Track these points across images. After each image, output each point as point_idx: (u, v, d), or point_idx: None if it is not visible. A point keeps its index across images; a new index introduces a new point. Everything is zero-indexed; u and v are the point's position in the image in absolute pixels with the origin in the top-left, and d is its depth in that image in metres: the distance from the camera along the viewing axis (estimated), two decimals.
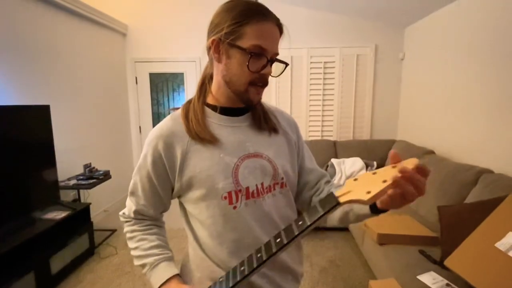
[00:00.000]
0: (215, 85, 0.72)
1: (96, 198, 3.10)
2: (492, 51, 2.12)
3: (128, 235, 0.78)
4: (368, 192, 0.48)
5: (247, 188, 0.69)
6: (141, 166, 0.74)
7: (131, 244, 0.77)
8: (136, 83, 3.95)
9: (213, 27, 0.67)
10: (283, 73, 0.73)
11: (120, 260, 2.47)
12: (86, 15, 3.06)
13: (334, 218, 0.73)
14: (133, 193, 0.78)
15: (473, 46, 2.33)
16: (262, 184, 0.70)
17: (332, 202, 0.51)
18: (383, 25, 3.55)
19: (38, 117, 2.20)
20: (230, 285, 0.56)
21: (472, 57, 2.34)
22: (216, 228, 0.68)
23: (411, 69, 3.43)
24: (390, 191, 0.49)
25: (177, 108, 0.76)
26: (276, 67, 0.70)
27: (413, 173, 0.47)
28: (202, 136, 0.68)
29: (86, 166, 2.88)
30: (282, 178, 0.74)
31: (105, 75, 3.50)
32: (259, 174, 0.71)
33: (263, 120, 0.76)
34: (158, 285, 0.68)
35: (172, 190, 0.74)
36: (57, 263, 2.12)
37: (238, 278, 0.55)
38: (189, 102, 0.75)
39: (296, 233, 0.52)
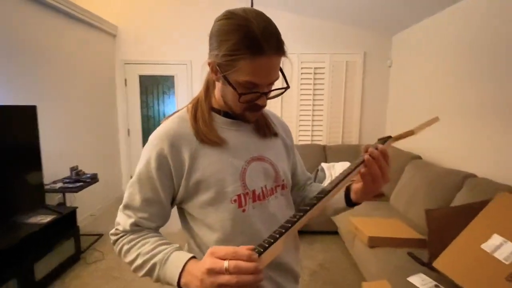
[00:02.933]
0: (218, 94, 0.71)
1: (83, 202, 3.03)
2: (475, 60, 2.22)
3: (124, 247, 0.66)
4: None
5: (254, 191, 0.69)
6: (142, 173, 0.67)
7: (130, 256, 0.65)
8: (126, 85, 3.90)
9: (211, 47, 0.63)
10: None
11: (107, 266, 2.41)
12: (75, 15, 3.01)
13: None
14: (129, 206, 0.68)
15: (458, 55, 2.42)
16: (265, 186, 0.72)
17: (386, 139, 0.64)
18: (371, 33, 3.65)
19: (24, 118, 2.14)
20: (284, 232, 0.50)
21: (456, 65, 2.44)
22: (224, 232, 0.67)
23: (398, 76, 3.53)
24: (362, 170, 0.60)
25: (170, 116, 0.73)
26: (274, 87, 0.68)
27: (378, 155, 0.59)
28: (209, 137, 0.67)
29: (73, 169, 2.81)
30: (283, 180, 0.76)
31: (93, 76, 3.44)
32: (263, 177, 0.72)
33: (265, 125, 0.77)
34: (177, 275, 0.56)
35: (173, 198, 0.70)
36: (41, 269, 2.04)
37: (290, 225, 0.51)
38: (197, 99, 0.73)
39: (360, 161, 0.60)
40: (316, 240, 2.86)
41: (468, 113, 2.29)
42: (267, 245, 0.49)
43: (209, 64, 0.64)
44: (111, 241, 0.71)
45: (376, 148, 0.60)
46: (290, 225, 0.51)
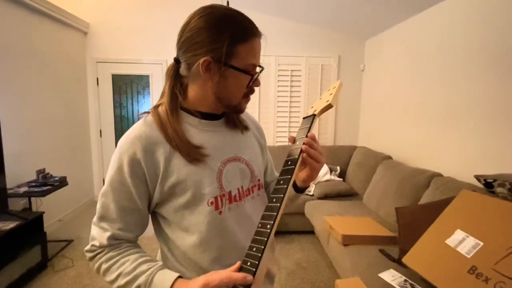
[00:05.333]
0: (198, 95, 0.68)
1: (51, 207, 2.88)
2: (443, 65, 2.35)
3: (103, 266, 0.63)
4: (327, 101, 0.67)
5: (230, 192, 0.69)
6: (115, 180, 0.63)
7: (110, 276, 0.62)
8: (97, 84, 3.76)
9: (200, 44, 0.61)
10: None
11: (77, 273, 2.30)
12: (44, 10, 2.87)
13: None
14: (104, 218, 0.64)
15: (426, 59, 2.55)
16: (242, 187, 0.71)
17: (311, 117, 0.69)
18: (346, 37, 3.76)
19: None
20: (258, 259, 0.53)
21: (424, 70, 2.57)
22: (200, 236, 0.65)
23: (370, 79, 3.66)
24: (304, 155, 0.64)
25: (147, 112, 0.69)
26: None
27: (311, 141, 0.65)
28: (193, 156, 0.65)
29: (40, 171, 2.66)
30: (259, 180, 0.77)
31: (63, 75, 3.28)
32: (239, 177, 0.71)
33: (237, 120, 0.77)
34: None
35: (149, 202, 0.67)
36: (4, 278, 1.92)
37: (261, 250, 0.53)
38: (156, 108, 0.68)
39: (298, 155, 0.64)
40: (294, 240, 2.89)
41: (434, 116, 2.42)
42: (254, 269, 0.50)
43: (204, 61, 0.61)
44: (87, 258, 0.67)
45: (306, 136, 0.67)
46: (266, 238, 0.53)
